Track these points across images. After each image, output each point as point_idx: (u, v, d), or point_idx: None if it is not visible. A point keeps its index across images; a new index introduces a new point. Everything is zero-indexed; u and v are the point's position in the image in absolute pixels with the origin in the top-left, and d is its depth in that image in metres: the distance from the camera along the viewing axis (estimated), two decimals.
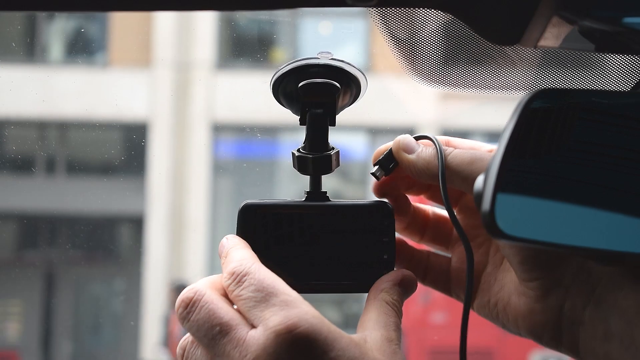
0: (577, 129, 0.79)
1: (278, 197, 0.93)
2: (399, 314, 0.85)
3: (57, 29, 13.13)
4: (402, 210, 0.94)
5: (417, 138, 0.92)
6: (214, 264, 11.06)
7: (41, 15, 11.11)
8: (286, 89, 0.93)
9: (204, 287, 0.82)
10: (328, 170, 0.92)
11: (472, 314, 0.89)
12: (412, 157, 0.90)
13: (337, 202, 0.91)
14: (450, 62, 1.03)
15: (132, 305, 12.47)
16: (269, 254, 0.88)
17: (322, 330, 0.78)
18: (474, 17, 0.88)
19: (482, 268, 0.93)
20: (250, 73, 11.93)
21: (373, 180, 0.93)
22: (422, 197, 0.96)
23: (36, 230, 13.15)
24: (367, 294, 0.88)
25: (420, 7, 0.90)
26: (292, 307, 0.78)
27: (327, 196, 0.92)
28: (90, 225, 12.23)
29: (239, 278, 0.81)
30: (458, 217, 0.94)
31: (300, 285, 0.85)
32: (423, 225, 0.96)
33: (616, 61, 0.96)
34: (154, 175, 12.59)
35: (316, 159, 0.91)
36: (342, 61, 0.92)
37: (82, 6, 0.94)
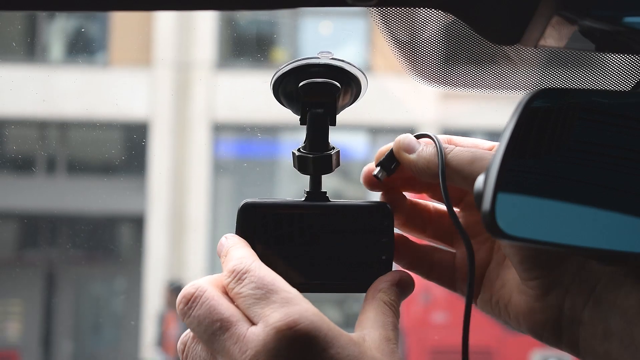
0: (577, 128, 0.79)
1: (278, 197, 0.92)
2: (396, 314, 0.85)
3: (58, 29, 13.13)
4: (398, 206, 0.94)
5: (418, 137, 0.92)
6: (214, 263, 11.05)
7: (41, 14, 11.11)
8: (286, 88, 0.93)
9: (205, 283, 0.82)
10: (328, 170, 0.92)
11: (473, 313, 0.89)
12: (412, 156, 0.90)
13: (337, 202, 0.91)
14: (451, 62, 1.03)
15: (133, 305, 12.48)
16: (268, 253, 0.88)
17: (322, 328, 0.78)
18: (474, 16, 0.88)
19: (485, 265, 0.93)
20: (251, 73, 11.92)
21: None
22: (425, 195, 0.96)
23: (37, 229, 13.15)
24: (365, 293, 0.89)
25: (421, 7, 0.90)
26: (293, 305, 0.78)
27: (327, 196, 0.92)
28: (91, 225, 12.24)
29: (239, 276, 0.82)
30: (461, 214, 0.94)
31: (299, 284, 0.85)
32: (424, 221, 0.96)
33: (616, 61, 0.96)
34: (154, 175, 12.59)
35: (316, 158, 0.91)
36: (342, 61, 0.92)
37: (82, 6, 0.94)
